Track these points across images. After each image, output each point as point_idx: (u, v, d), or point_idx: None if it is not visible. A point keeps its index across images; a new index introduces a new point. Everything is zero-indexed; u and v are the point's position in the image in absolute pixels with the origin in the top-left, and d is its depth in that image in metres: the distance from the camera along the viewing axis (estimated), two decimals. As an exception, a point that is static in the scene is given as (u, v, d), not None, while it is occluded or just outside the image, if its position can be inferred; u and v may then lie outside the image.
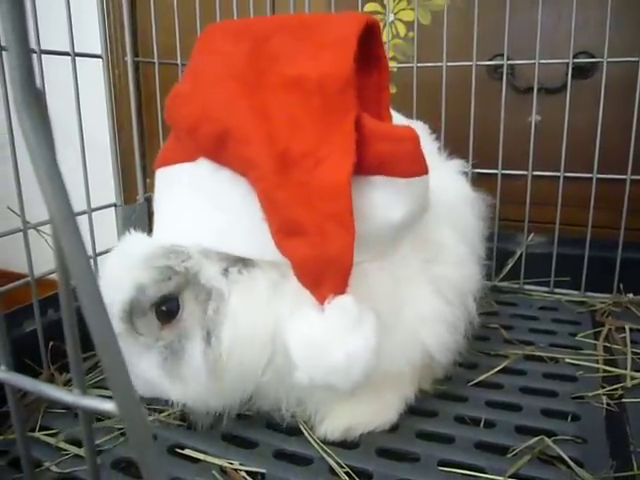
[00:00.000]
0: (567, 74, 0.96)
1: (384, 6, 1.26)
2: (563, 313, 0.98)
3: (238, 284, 0.59)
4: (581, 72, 1.10)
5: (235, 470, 0.60)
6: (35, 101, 0.22)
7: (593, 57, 1.06)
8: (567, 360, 0.81)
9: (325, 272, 0.56)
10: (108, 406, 0.26)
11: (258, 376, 0.60)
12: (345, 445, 0.65)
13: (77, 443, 0.65)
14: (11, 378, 0.32)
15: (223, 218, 0.59)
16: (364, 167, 0.57)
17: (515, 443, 0.64)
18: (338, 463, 0.61)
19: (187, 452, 0.63)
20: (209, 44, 0.65)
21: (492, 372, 0.79)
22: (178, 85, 0.66)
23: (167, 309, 0.59)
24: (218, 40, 0.64)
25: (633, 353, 0.81)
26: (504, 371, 0.80)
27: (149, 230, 0.64)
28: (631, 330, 0.87)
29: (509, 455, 0.62)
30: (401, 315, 0.65)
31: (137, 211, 0.87)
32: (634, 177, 0.93)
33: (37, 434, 0.66)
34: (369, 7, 1.28)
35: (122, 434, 0.66)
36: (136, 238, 0.63)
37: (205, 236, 0.60)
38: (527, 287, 1.06)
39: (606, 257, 0.98)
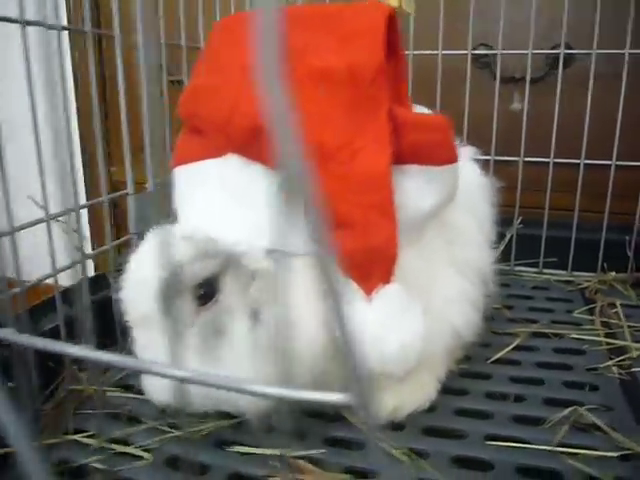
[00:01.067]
0: (550, 64, 1.02)
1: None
2: (555, 292, 1.04)
3: (282, 267, 0.58)
4: (557, 62, 1.15)
5: (294, 458, 0.60)
6: None
7: (571, 48, 1.12)
8: (573, 335, 0.87)
9: (372, 263, 0.57)
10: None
11: (308, 363, 0.60)
12: (391, 427, 0.66)
13: (118, 442, 0.62)
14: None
15: (256, 214, 0.57)
16: (397, 156, 0.58)
17: (548, 414, 0.67)
18: (393, 445, 0.62)
19: (239, 449, 0.62)
20: (230, 36, 0.64)
21: (508, 350, 0.83)
22: (196, 79, 0.64)
23: (205, 290, 0.56)
24: (239, 32, 0.63)
25: (629, 326, 0.88)
26: (517, 348, 0.84)
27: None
28: (622, 305, 0.94)
29: (546, 426, 0.66)
30: (432, 296, 0.68)
31: (152, 200, 0.83)
32: (619, 163, 0.99)
33: (76, 437, 0.63)
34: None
35: (165, 432, 0.64)
36: (170, 227, 0.61)
37: (238, 232, 0.58)
38: (517, 268, 1.11)
39: (590, 239, 1.05)
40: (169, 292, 0.55)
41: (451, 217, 0.72)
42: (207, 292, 0.56)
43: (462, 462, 0.61)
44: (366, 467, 0.59)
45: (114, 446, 0.61)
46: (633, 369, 0.77)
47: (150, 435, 0.63)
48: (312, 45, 0.59)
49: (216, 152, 0.61)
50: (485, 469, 0.59)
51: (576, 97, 1.04)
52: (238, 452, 0.61)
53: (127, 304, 0.56)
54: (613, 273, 1.05)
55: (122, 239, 0.79)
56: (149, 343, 0.55)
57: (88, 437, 0.63)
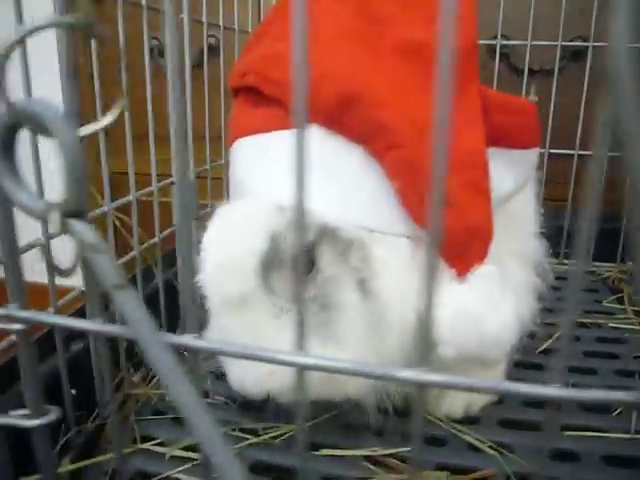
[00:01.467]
0: (561, 57, 1.04)
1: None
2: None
3: (377, 237, 0.54)
4: (575, 55, 1.18)
5: (384, 456, 0.58)
6: None
7: (585, 41, 1.14)
8: (610, 324, 0.88)
9: (470, 242, 0.56)
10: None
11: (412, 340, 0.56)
12: (467, 421, 0.65)
13: (192, 450, 0.59)
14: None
15: (341, 188, 0.54)
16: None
17: (612, 403, 0.68)
18: (478, 439, 0.61)
19: (325, 451, 0.59)
20: (306, 2, 0.60)
21: (553, 339, 0.84)
22: (269, 45, 0.60)
23: (311, 261, 0.52)
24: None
25: (659, 314, 0.90)
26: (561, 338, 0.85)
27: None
28: (648, 294, 0.97)
29: (614, 414, 0.67)
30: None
31: (192, 188, 0.79)
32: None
33: (146, 445, 0.59)
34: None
35: (239, 437, 0.61)
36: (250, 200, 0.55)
37: (322, 207, 0.53)
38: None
39: (608, 228, 1.07)
40: (271, 266, 0.51)
41: (510, 206, 0.72)
42: (308, 262, 0.52)
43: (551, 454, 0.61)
44: (458, 463, 0.58)
45: (191, 454, 0.58)
46: (677, 356, 0.79)
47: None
48: (396, 17, 0.57)
49: (287, 124, 0.57)
50: (572, 460, 0.59)
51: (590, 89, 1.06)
52: (325, 455, 0.59)
53: (214, 287, 0.51)
54: (631, 263, 1.08)
55: (168, 231, 0.75)
56: (244, 328, 0.50)
57: (158, 445, 0.59)
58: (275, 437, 0.60)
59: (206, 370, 0.71)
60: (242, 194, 0.58)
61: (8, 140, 0.26)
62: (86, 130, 0.26)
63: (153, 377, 0.69)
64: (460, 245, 0.54)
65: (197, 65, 0.91)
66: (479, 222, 0.55)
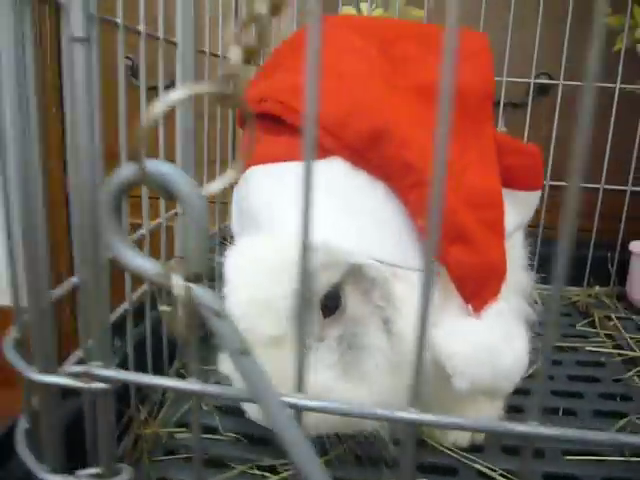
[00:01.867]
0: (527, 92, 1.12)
1: (359, 11, 1.28)
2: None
3: (399, 274, 0.54)
4: (541, 90, 1.24)
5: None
6: None
7: (551, 78, 1.21)
8: (587, 348, 0.93)
9: (487, 279, 0.58)
10: None
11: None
12: (473, 449, 0.67)
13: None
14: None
15: (363, 224, 0.55)
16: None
17: (605, 425, 0.72)
18: (488, 467, 0.63)
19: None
20: (333, 38, 0.61)
21: (538, 364, 0.88)
22: (290, 76, 0.60)
23: (332, 301, 0.53)
24: (344, 35, 0.61)
25: (630, 338, 0.96)
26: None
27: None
28: (617, 318, 1.03)
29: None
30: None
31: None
32: (607, 187, 1.09)
33: None
34: (344, 11, 1.29)
35: (263, 477, 0.60)
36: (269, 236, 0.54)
37: (348, 240, 0.53)
38: (511, 284, 1.18)
39: (574, 255, 1.13)
40: (303, 306, 0.50)
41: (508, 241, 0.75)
42: (335, 301, 0.52)
43: (553, 479, 0.63)
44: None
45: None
46: (653, 378, 0.85)
47: (246, 480, 0.59)
48: (417, 59, 0.59)
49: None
50: (577, 484, 0.63)
51: (556, 122, 1.13)
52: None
53: (250, 328, 0.49)
54: (597, 287, 1.15)
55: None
56: (271, 366, 0.50)
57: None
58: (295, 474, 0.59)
59: (211, 405, 0.70)
60: (259, 223, 0.57)
61: (119, 201, 0.26)
62: (208, 190, 0.26)
63: (159, 412, 0.67)
64: (477, 281, 0.56)
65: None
66: (496, 259, 0.57)
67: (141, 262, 0.26)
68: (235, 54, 0.23)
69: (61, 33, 0.34)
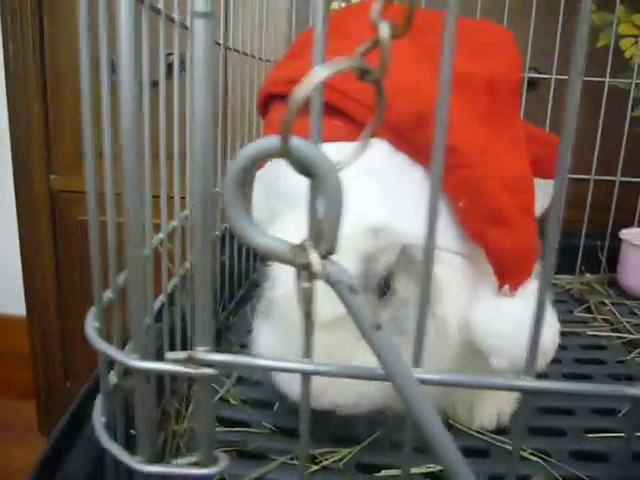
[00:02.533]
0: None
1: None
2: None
3: (438, 257, 0.56)
4: (529, 85, 1.28)
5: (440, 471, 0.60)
6: None
7: (540, 73, 1.25)
8: (588, 333, 0.97)
9: (523, 261, 0.60)
10: None
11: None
12: (499, 431, 0.69)
13: None
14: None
15: (402, 205, 0.56)
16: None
17: (616, 405, 0.75)
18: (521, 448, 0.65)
19: (386, 472, 0.60)
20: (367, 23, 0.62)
21: (545, 349, 0.90)
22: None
23: (387, 283, 0.54)
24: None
25: (626, 322, 1.00)
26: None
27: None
28: (612, 303, 1.07)
29: (619, 416, 0.74)
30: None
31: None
32: (597, 177, 1.13)
33: None
34: (335, 5, 1.29)
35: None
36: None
37: (384, 221, 0.54)
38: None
39: (566, 244, 1.17)
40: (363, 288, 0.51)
41: None
42: (389, 283, 0.53)
43: (579, 455, 0.65)
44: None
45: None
46: (653, 358, 0.89)
47: (288, 472, 0.59)
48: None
49: (350, 135, 0.57)
50: (605, 460, 0.65)
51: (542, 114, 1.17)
52: (386, 476, 0.60)
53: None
54: (588, 275, 1.19)
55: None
56: (330, 348, 0.50)
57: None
58: (335, 462, 0.60)
59: (239, 398, 0.69)
60: (296, 203, 0.57)
61: (249, 176, 0.25)
62: (342, 165, 0.26)
63: (187, 407, 0.66)
64: (514, 262, 0.58)
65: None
66: (531, 241, 0.59)
67: (270, 241, 0.26)
68: (384, 30, 0.23)
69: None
